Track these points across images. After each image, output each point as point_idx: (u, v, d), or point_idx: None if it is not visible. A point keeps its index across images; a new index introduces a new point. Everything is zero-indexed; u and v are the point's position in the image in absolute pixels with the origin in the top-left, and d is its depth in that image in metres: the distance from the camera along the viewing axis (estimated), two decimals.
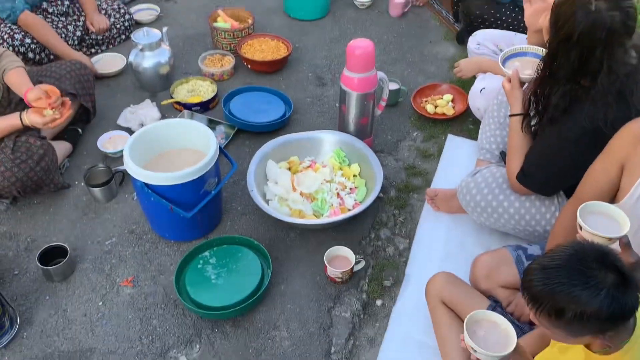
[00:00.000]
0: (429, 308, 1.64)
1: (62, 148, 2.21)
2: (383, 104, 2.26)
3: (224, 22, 2.85)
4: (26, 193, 2.00)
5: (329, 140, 2.19)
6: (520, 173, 1.68)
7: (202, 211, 1.85)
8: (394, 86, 2.52)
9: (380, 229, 2.04)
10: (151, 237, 2.00)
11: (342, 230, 2.01)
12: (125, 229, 2.03)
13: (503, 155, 1.97)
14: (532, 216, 1.73)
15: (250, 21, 2.86)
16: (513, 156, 1.71)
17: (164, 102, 2.51)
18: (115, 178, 2.12)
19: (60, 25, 2.64)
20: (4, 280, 1.86)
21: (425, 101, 2.55)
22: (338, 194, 2.07)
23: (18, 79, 1.98)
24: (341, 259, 1.87)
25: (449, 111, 2.48)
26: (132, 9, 3.05)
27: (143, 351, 1.69)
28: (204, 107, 2.50)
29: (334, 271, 1.81)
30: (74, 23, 2.69)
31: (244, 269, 1.81)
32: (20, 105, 2.06)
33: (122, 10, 2.88)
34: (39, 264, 1.81)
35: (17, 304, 1.79)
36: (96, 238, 2.00)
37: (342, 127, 2.22)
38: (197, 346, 1.71)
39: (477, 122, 2.33)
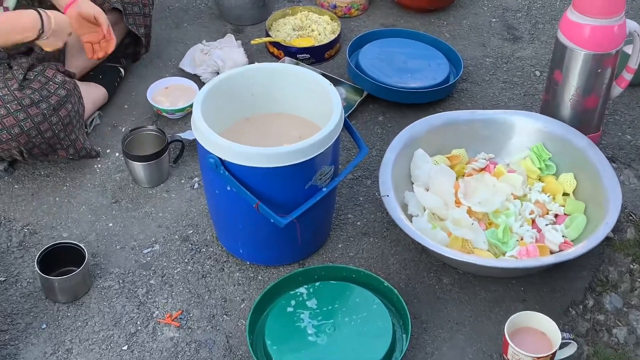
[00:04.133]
0: None
1: (92, 94, 2.21)
2: (628, 77, 2.08)
3: None
4: (31, 156, 1.98)
5: (524, 127, 2.10)
6: None
7: (303, 218, 1.78)
8: None
9: (604, 293, 1.85)
10: (215, 251, 1.93)
11: (537, 286, 1.87)
12: (177, 234, 1.97)
13: None
14: None
15: None
16: None
17: (256, 41, 2.49)
18: (169, 150, 2.08)
19: None
20: None
21: None
22: (534, 220, 1.94)
23: None
24: (534, 334, 1.70)
25: None
26: None
27: None
28: (316, 55, 2.47)
29: (522, 354, 1.61)
30: None
31: (364, 326, 1.71)
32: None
33: None
34: (39, 271, 1.77)
35: None
36: (130, 242, 1.95)
37: (549, 110, 2.13)
38: None
39: None
